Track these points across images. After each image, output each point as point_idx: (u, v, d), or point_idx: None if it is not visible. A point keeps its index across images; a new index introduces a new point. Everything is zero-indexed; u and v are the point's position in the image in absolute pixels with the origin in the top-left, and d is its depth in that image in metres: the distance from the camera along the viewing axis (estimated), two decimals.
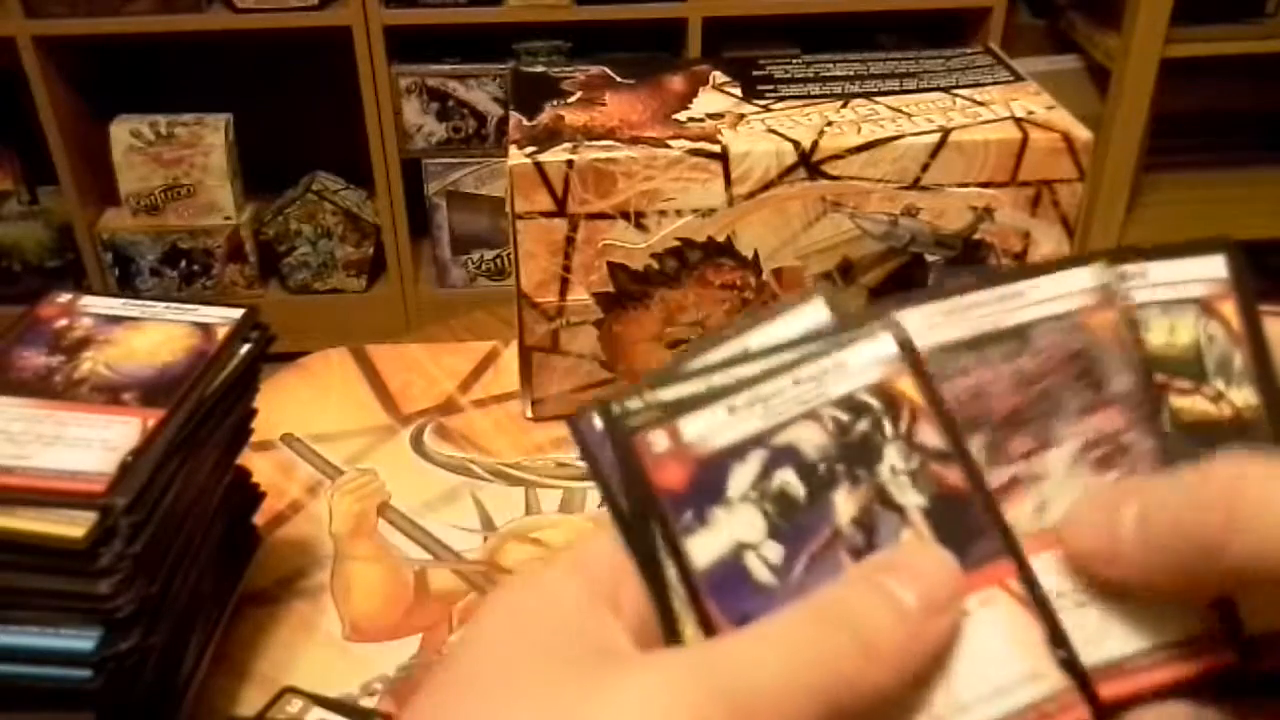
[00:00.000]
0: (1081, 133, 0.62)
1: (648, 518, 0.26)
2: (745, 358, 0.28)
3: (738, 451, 0.27)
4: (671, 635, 0.26)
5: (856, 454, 0.27)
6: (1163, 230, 1.89)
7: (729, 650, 0.24)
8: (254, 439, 0.54)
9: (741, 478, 0.26)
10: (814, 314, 0.28)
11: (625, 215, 0.61)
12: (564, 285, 0.63)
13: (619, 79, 0.69)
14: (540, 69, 0.71)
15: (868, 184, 0.62)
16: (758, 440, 0.27)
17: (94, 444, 0.43)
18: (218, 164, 1.81)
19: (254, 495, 0.57)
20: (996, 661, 0.26)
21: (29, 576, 0.41)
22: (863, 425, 0.27)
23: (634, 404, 0.27)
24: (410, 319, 1.94)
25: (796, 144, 0.61)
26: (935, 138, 0.61)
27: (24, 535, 0.40)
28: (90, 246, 1.86)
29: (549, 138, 0.62)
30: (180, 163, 1.81)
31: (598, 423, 0.27)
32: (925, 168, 0.61)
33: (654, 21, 1.77)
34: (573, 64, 0.72)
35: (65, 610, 0.41)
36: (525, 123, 0.63)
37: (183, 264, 1.88)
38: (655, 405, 0.27)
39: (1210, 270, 0.30)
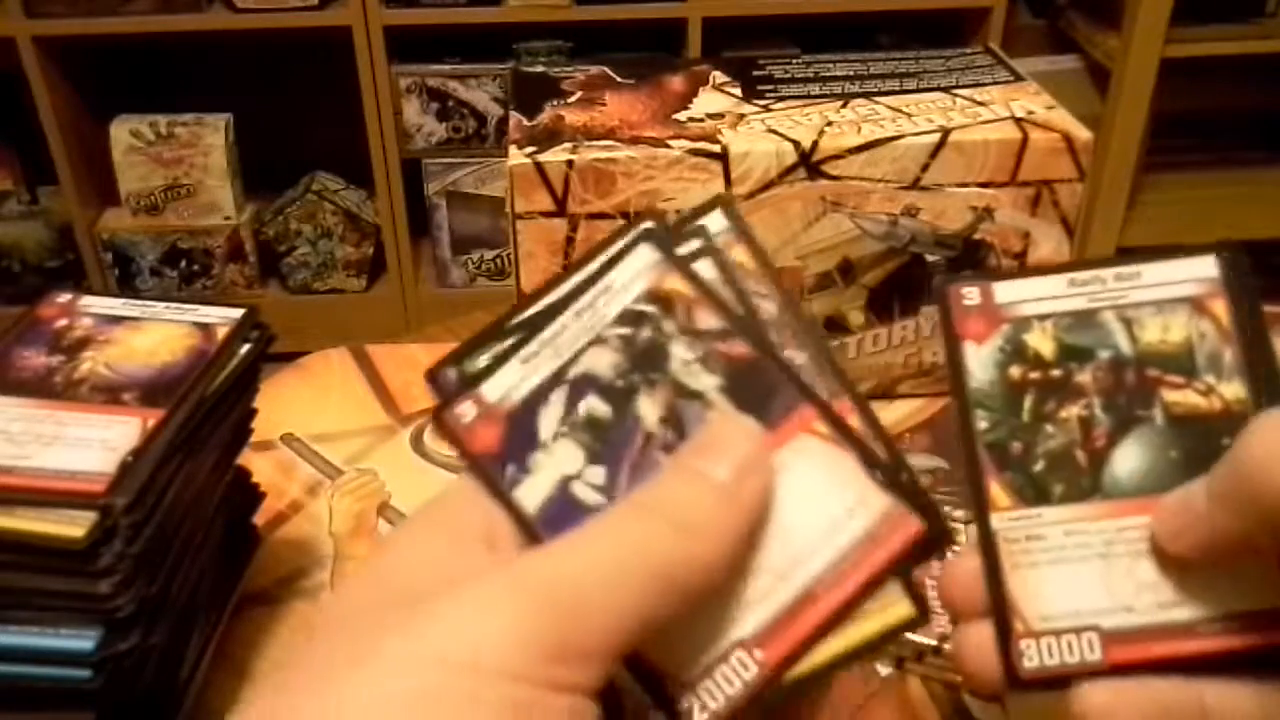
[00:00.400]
0: (1081, 133, 0.62)
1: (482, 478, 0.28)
2: (524, 308, 0.30)
3: (540, 396, 0.29)
4: None
5: (647, 360, 0.29)
6: (1163, 230, 1.89)
7: (551, 553, 0.26)
8: (254, 439, 0.54)
9: (550, 419, 0.28)
10: (641, 263, 0.30)
11: (625, 215, 0.61)
12: None
13: (619, 79, 0.69)
14: (540, 69, 0.71)
15: (868, 184, 0.62)
16: (555, 380, 0.29)
17: (94, 444, 0.43)
18: (218, 164, 1.81)
19: (254, 495, 0.57)
20: (821, 501, 0.27)
21: (29, 576, 0.41)
22: (645, 332, 0.29)
23: (449, 374, 0.29)
24: (410, 319, 1.94)
25: (796, 144, 0.61)
26: (935, 138, 0.61)
27: (24, 535, 0.40)
28: (90, 246, 1.86)
29: (549, 138, 0.62)
30: (180, 163, 1.81)
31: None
32: (925, 168, 0.61)
33: (654, 21, 1.77)
34: (573, 64, 0.72)
35: (65, 610, 0.41)
36: (525, 123, 0.63)
37: (183, 264, 1.87)
38: (461, 377, 0.29)
39: (1202, 270, 0.31)
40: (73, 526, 0.40)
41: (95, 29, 1.71)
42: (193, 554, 0.48)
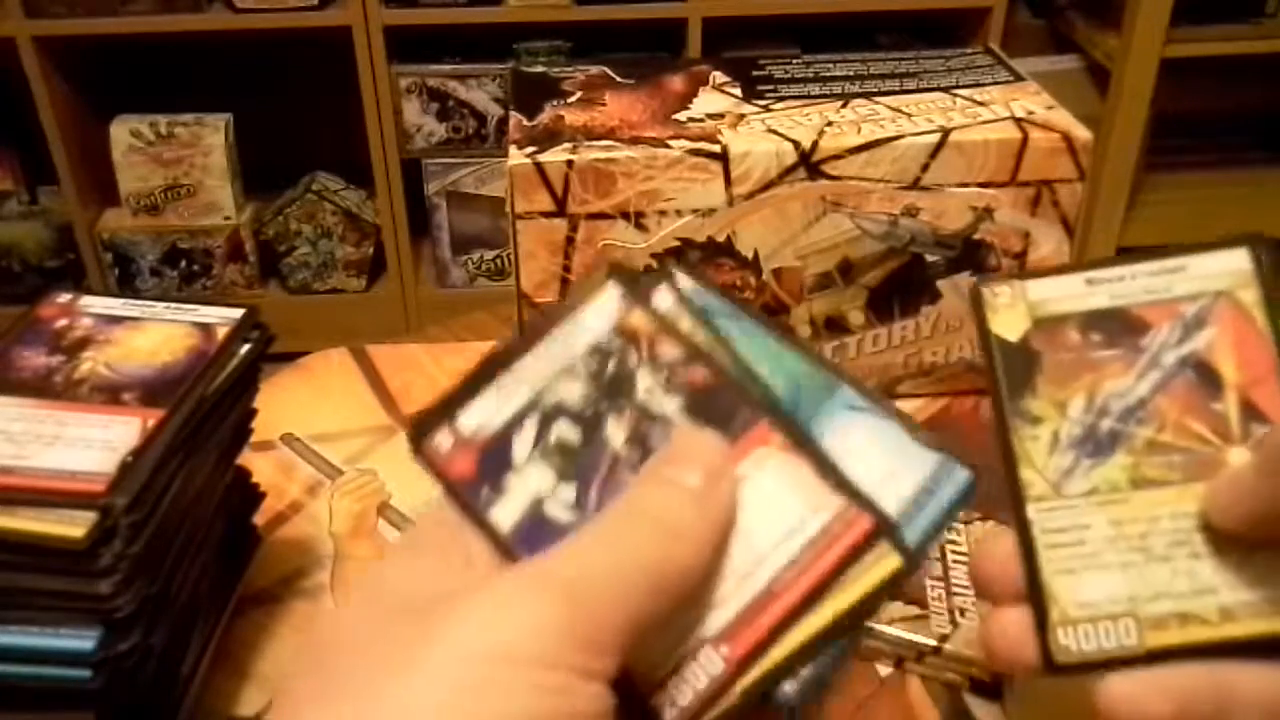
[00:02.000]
0: (1081, 133, 0.62)
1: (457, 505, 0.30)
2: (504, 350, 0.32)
3: (514, 424, 0.30)
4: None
5: (614, 389, 0.31)
6: (1163, 230, 1.89)
7: (560, 556, 0.27)
8: (254, 439, 0.54)
9: (522, 444, 0.30)
10: (609, 303, 0.32)
11: (625, 215, 0.61)
12: (564, 285, 0.63)
13: (619, 79, 0.69)
14: (540, 69, 0.71)
15: (868, 184, 0.62)
16: (528, 409, 0.31)
17: (94, 444, 0.43)
18: (218, 164, 1.81)
19: (254, 495, 0.57)
20: (780, 508, 0.29)
21: (29, 576, 0.41)
22: (612, 363, 0.31)
23: (429, 420, 0.31)
24: (410, 319, 1.94)
25: (796, 144, 0.61)
26: (935, 138, 0.61)
27: (24, 535, 0.40)
28: (90, 246, 1.86)
29: (549, 138, 0.62)
30: (180, 163, 1.81)
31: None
32: (925, 168, 0.61)
33: (654, 21, 1.77)
34: (573, 64, 0.72)
35: (65, 610, 0.41)
36: (525, 123, 0.63)
37: (183, 264, 1.87)
38: (437, 413, 0.31)
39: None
40: (73, 526, 0.40)
41: (95, 29, 1.71)
42: (193, 554, 0.48)
